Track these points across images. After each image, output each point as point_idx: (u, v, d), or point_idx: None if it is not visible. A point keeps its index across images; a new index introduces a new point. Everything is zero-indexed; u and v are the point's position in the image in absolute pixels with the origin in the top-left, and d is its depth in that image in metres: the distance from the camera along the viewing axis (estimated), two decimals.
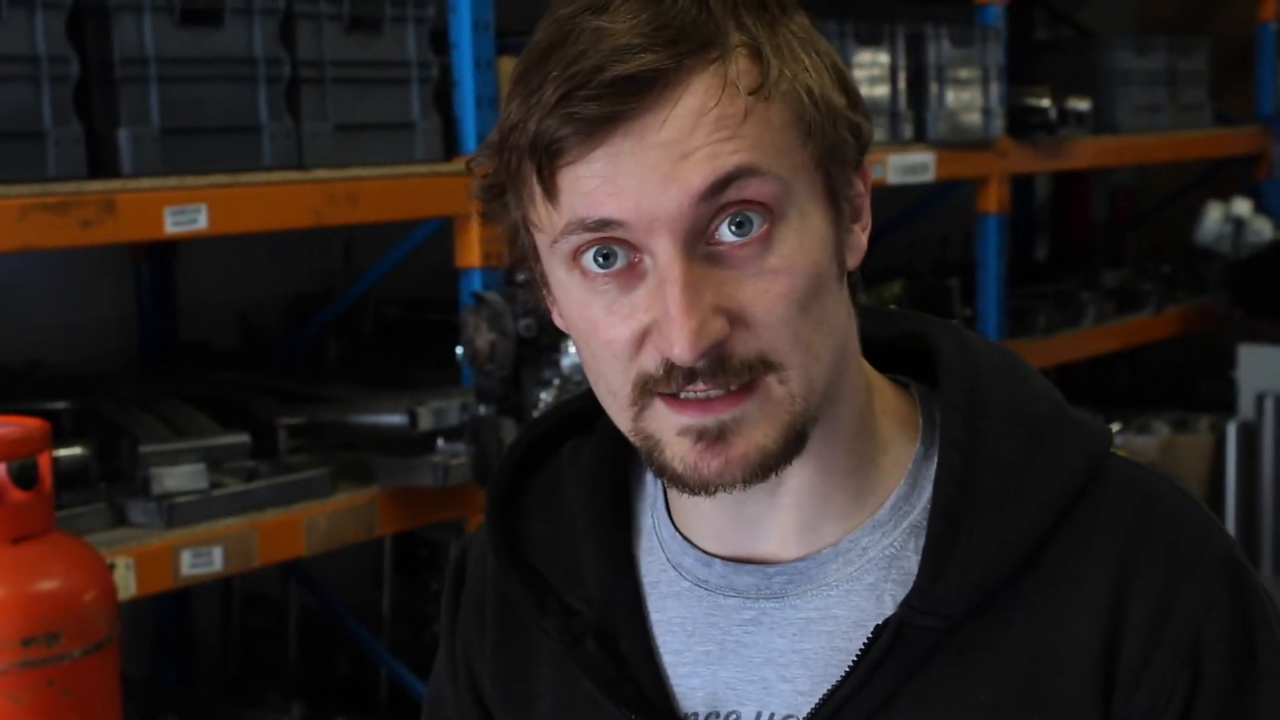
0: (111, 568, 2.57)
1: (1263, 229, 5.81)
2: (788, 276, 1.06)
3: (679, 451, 1.08)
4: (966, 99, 4.65)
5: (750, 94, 1.04)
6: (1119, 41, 5.72)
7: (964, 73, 4.64)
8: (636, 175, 1.02)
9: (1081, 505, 1.13)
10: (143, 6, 2.85)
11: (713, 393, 1.06)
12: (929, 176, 4.49)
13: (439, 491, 3.21)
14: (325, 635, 4.09)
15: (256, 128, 3.02)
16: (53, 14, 2.72)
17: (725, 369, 1.05)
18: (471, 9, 3.34)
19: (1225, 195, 5.93)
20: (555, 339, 2.87)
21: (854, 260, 1.13)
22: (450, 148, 3.37)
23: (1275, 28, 6.43)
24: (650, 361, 1.07)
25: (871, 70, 4.33)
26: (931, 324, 1.22)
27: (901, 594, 1.12)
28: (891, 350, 1.23)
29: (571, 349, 2.79)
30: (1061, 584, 1.11)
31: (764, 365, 1.06)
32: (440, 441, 3.19)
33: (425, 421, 3.18)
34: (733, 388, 1.06)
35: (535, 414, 2.82)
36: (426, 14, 3.33)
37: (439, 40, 3.38)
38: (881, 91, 4.36)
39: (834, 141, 1.09)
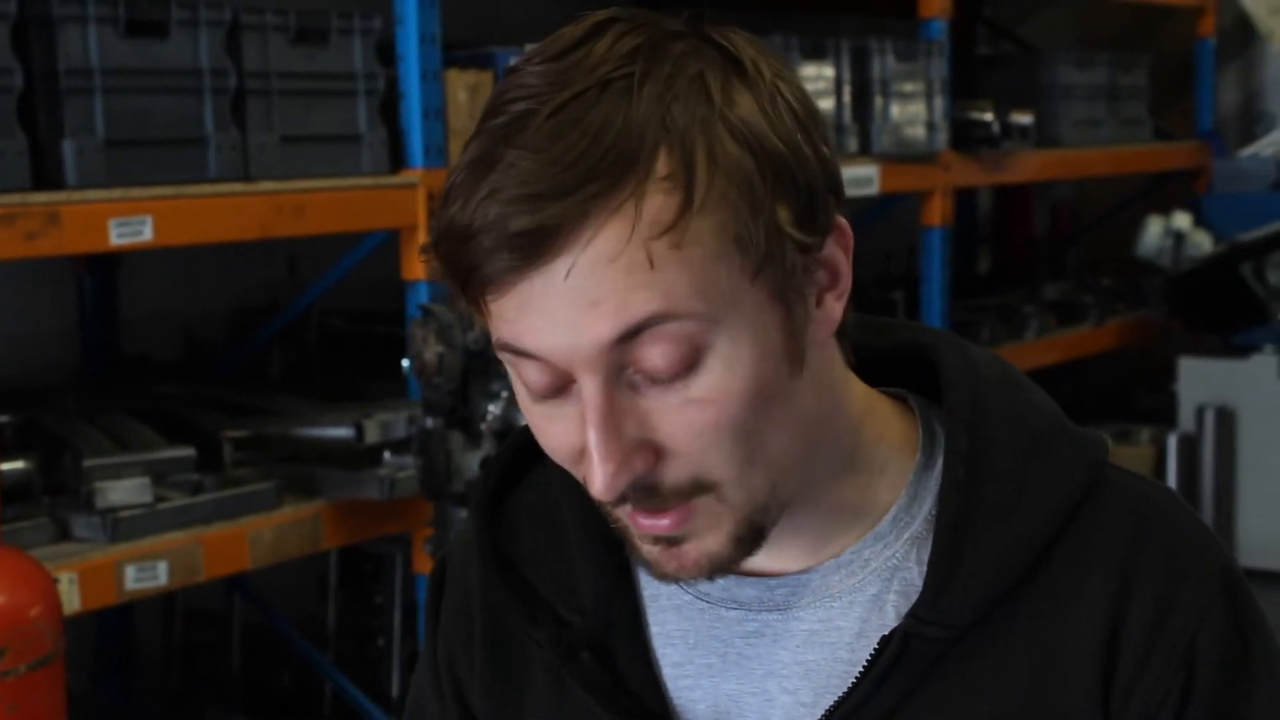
0: (55, 583, 2.55)
1: (1202, 242, 5.86)
2: (714, 406, 1.02)
3: (642, 548, 1.09)
4: (911, 113, 4.67)
5: (665, 233, 0.98)
6: (1061, 56, 5.76)
7: (908, 86, 4.66)
8: (548, 318, 1.00)
9: (1081, 515, 1.13)
10: (88, 17, 2.83)
11: (654, 513, 1.06)
12: (873, 190, 4.51)
13: (385, 504, 3.20)
14: (269, 649, 4.06)
15: (202, 139, 3.01)
16: None
17: (657, 494, 1.05)
18: (418, 22, 3.33)
19: (1165, 209, 5.98)
20: None
21: (825, 332, 1.09)
22: (397, 160, 3.37)
23: (1215, 44, 6.50)
24: None
25: (816, 84, 4.35)
26: (932, 334, 1.21)
27: (904, 605, 1.12)
28: (889, 361, 1.22)
29: None
30: (1062, 593, 1.12)
31: (697, 488, 1.05)
32: (387, 454, 3.18)
33: (372, 434, 3.17)
34: (669, 509, 1.06)
35: (483, 426, 2.82)
36: (373, 26, 3.33)
37: (386, 52, 3.37)
38: (826, 105, 4.37)
39: (778, 244, 1.03)
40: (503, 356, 1.06)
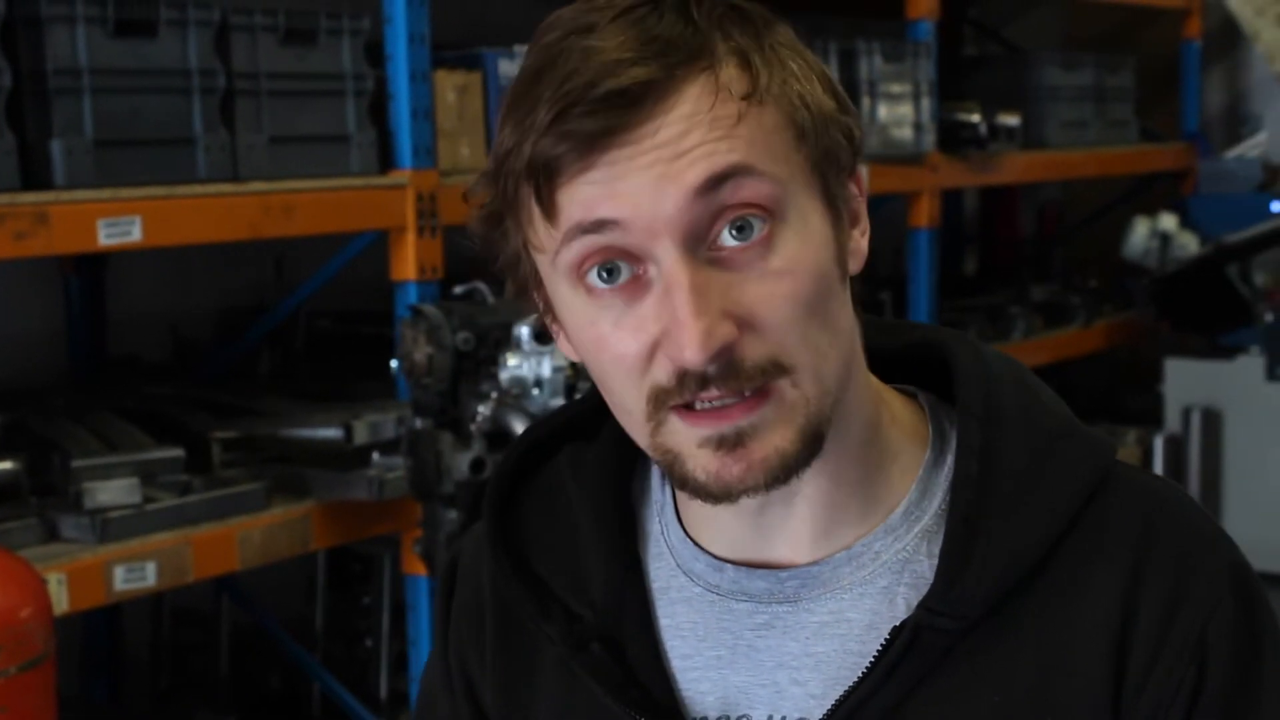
0: (45, 583, 2.54)
1: (1188, 244, 5.87)
2: (792, 278, 1.06)
3: (701, 462, 1.09)
4: (898, 114, 4.68)
5: (743, 98, 1.05)
6: (1047, 57, 5.78)
7: (896, 88, 4.67)
8: (633, 178, 1.03)
9: (1091, 512, 1.15)
10: (76, 17, 2.83)
11: (728, 400, 1.07)
12: None
13: (374, 505, 3.20)
14: (257, 650, 4.06)
15: (191, 139, 3.00)
16: None
17: (737, 374, 1.06)
18: (407, 22, 3.33)
19: (1151, 210, 5.99)
20: (493, 352, 2.87)
21: (856, 265, 1.14)
22: (386, 160, 3.37)
23: (1200, 45, 6.51)
24: (662, 373, 1.07)
25: None
26: (945, 334, 1.23)
27: (915, 597, 1.13)
28: (898, 360, 1.24)
29: (510, 362, 2.78)
30: (1072, 588, 1.13)
31: (776, 368, 1.07)
32: (376, 455, 3.18)
33: (360, 435, 3.18)
34: (746, 393, 1.06)
35: (473, 427, 2.82)
36: (362, 27, 3.32)
37: (375, 53, 3.37)
38: None
39: (828, 146, 1.10)
40: (567, 256, 1.07)
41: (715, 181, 1.04)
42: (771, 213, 1.06)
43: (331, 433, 3.23)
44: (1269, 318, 5.63)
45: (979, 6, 6.57)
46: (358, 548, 3.93)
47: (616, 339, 1.08)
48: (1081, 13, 6.71)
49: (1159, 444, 5.76)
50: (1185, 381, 5.79)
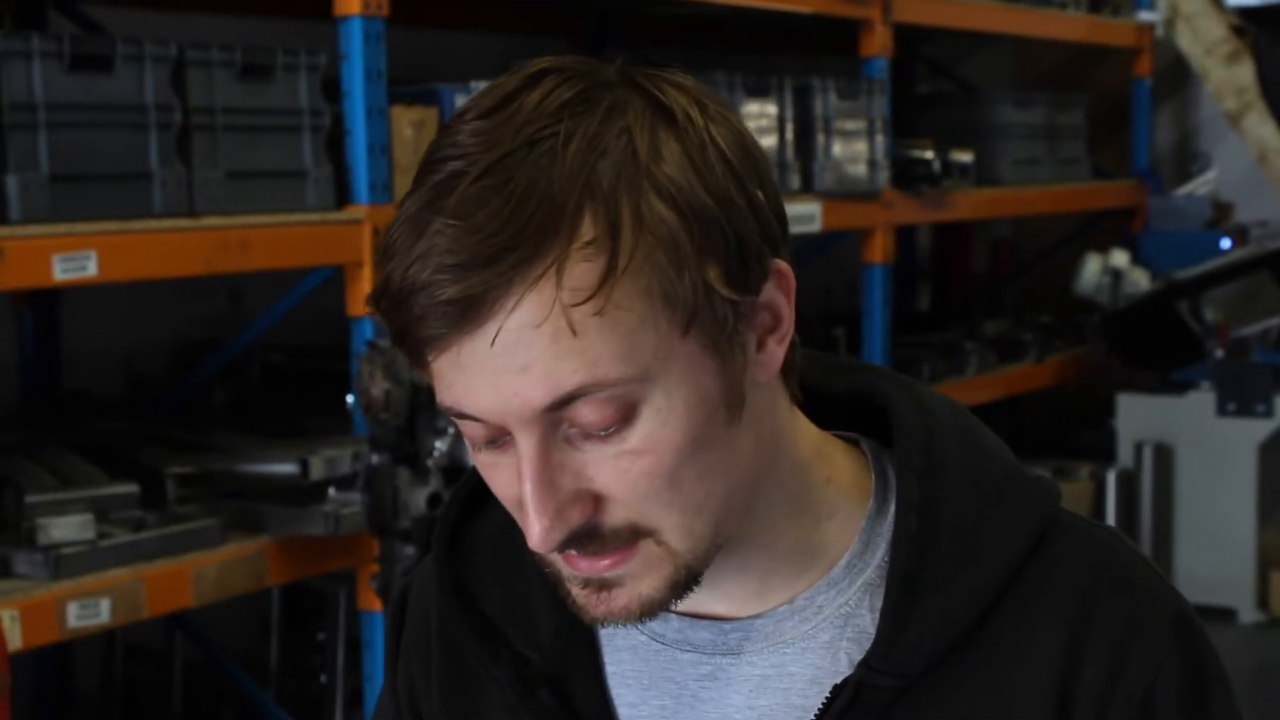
0: None
1: (1139, 280, 5.92)
2: (649, 456, 1.04)
3: (572, 592, 1.10)
4: (853, 150, 4.71)
5: (590, 298, 0.99)
6: (1000, 95, 5.83)
7: (850, 124, 4.70)
8: (481, 380, 1.02)
9: (1033, 563, 1.14)
10: (32, 52, 2.82)
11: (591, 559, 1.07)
12: (815, 227, 4.54)
13: (330, 541, 3.19)
14: (210, 687, 4.04)
15: (147, 174, 3.00)
16: None
17: (596, 537, 1.06)
18: (363, 58, 3.33)
19: (1103, 247, 6.04)
20: None
21: (766, 375, 1.09)
22: (342, 196, 3.37)
23: (1150, 84, 6.58)
24: None
25: (759, 121, 4.38)
26: (884, 379, 1.21)
27: (857, 652, 1.13)
28: (843, 403, 1.23)
29: None
30: (1015, 641, 1.12)
31: (635, 533, 1.06)
32: (332, 490, 3.18)
33: (317, 471, 3.16)
34: (610, 550, 1.07)
35: (430, 463, 2.81)
36: (319, 62, 3.33)
37: (331, 88, 3.37)
38: (769, 142, 4.40)
39: (707, 301, 1.03)
40: (444, 412, 1.07)
41: (562, 403, 1.01)
42: (628, 405, 1.03)
43: (287, 468, 3.22)
44: (1219, 354, 5.69)
45: (932, 45, 6.62)
46: (313, 584, 3.91)
47: (494, 477, 1.08)
48: (1034, 51, 6.77)
49: (1111, 479, 5.80)
50: (1137, 417, 5.83)
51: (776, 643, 1.16)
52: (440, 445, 2.79)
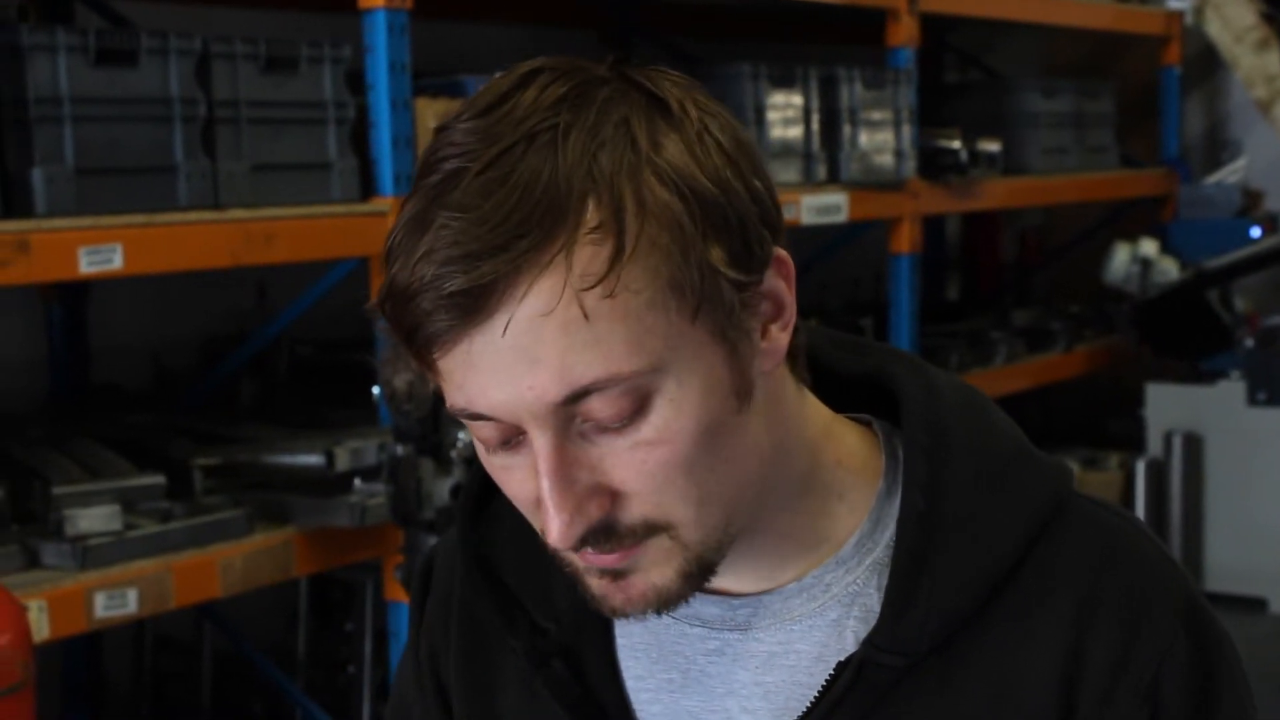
0: (25, 610, 2.54)
1: (1169, 269, 5.89)
2: (665, 446, 1.04)
3: (591, 584, 1.10)
4: (879, 140, 4.69)
5: (598, 284, 1.00)
6: (1027, 84, 5.81)
7: (876, 114, 4.69)
8: (494, 375, 1.02)
9: (1043, 544, 1.14)
10: (57, 46, 2.83)
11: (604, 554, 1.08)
12: (842, 217, 4.53)
13: (356, 532, 3.20)
14: (239, 678, 4.05)
15: (172, 168, 3.01)
16: None
17: (613, 535, 1.06)
18: (388, 50, 3.34)
19: (1132, 236, 6.02)
20: None
21: (771, 363, 1.10)
22: (367, 188, 3.37)
23: (1180, 72, 6.55)
24: None
25: (785, 112, 4.37)
26: (898, 361, 1.22)
27: (863, 630, 1.13)
28: (857, 382, 1.23)
29: None
30: (1022, 624, 1.12)
31: (650, 529, 1.07)
32: (357, 481, 3.18)
33: (342, 462, 3.17)
34: (624, 546, 1.07)
35: (453, 453, 2.82)
36: (343, 55, 3.34)
37: (355, 81, 3.38)
38: (795, 133, 4.39)
39: (714, 285, 1.04)
40: (455, 416, 1.07)
41: (576, 396, 1.01)
42: (641, 396, 1.03)
43: (313, 459, 3.23)
44: (1249, 343, 5.66)
45: (959, 33, 6.60)
46: (339, 574, 3.92)
47: (506, 481, 1.09)
48: (1062, 39, 6.74)
49: (1141, 469, 5.78)
50: (1167, 406, 5.81)
51: (784, 620, 1.17)
52: (463, 436, 2.80)
